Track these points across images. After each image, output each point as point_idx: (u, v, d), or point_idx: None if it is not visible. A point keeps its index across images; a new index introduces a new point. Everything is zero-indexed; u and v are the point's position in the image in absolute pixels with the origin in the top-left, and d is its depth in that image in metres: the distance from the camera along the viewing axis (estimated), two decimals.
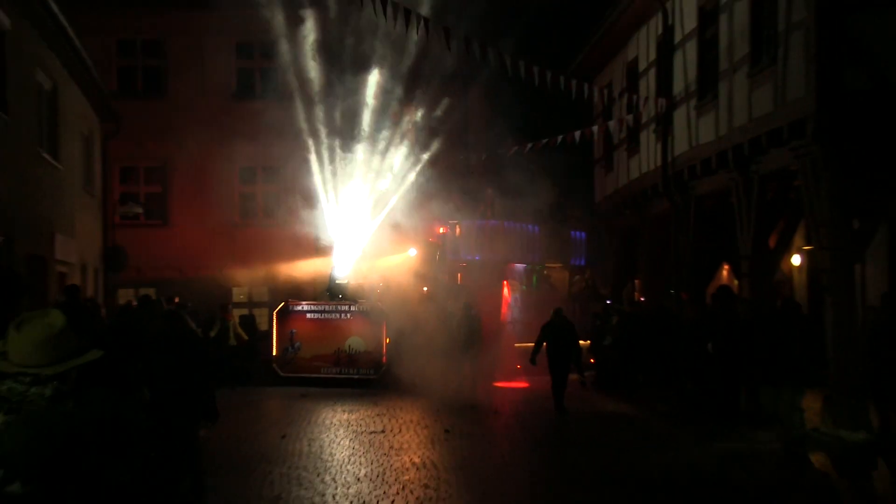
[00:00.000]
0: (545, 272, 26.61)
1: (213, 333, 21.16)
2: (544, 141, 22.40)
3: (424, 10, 18.79)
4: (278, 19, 23.33)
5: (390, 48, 22.36)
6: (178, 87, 27.32)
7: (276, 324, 21.60)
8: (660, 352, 19.39)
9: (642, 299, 22.73)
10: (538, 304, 23.47)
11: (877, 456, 9.89)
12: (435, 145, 23.98)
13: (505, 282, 23.78)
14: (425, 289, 22.34)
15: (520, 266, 25.30)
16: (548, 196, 24.64)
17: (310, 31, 23.32)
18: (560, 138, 22.53)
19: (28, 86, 17.69)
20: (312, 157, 23.03)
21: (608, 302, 23.26)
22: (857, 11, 13.43)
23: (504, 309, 23.46)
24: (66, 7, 17.84)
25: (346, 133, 23.11)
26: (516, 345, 22.04)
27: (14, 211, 16.19)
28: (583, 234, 28.12)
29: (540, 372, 17.85)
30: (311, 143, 23.15)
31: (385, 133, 23.12)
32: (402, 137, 23.47)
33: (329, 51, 23.29)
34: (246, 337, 21.99)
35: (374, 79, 22.83)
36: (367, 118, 22.99)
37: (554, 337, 16.96)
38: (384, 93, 23.02)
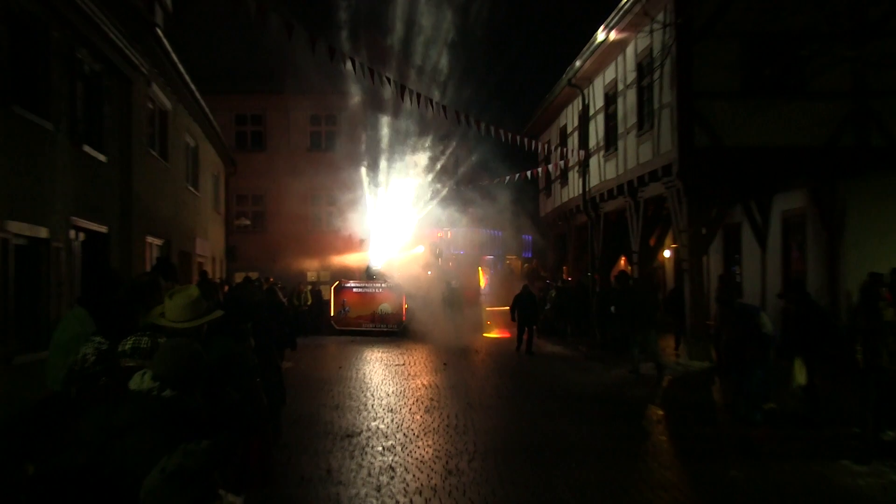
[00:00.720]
0: (506, 261, 26.52)
1: (296, 303, 21.40)
2: (507, 177, 22.45)
3: (424, 87, 19.04)
4: (337, 101, 23.53)
5: (411, 117, 22.47)
6: (273, 144, 27.34)
7: (333, 295, 21.51)
8: (580, 312, 19.55)
9: (570, 279, 22.78)
10: (501, 282, 23.51)
11: (714, 376, 10.05)
12: (438, 178, 24.03)
13: (480, 267, 23.71)
14: (429, 272, 22.35)
15: (489, 257, 25.20)
16: (508, 212, 24.57)
17: (355, 109, 23.51)
18: (517, 175, 22.58)
19: (180, 144, 17.80)
20: (358, 187, 23.07)
21: (548, 281, 23.34)
22: (700, 98, 13.42)
23: (483, 285, 23.36)
24: (204, 94, 18.04)
25: (380, 171, 23.17)
26: (488, 308, 22.12)
27: (171, 223, 16.33)
28: (530, 236, 28.01)
29: (511, 326, 17.83)
30: (356, 178, 23.21)
31: (406, 170, 23.17)
32: (417, 174, 23.52)
33: (369, 117, 23.41)
34: (311, 302, 22.13)
35: (399, 134, 22.94)
36: (394, 162, 23.06)
37: (522, 303, 16.80)
38: (407, 143, 23.11)
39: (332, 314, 21.41)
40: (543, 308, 20.60)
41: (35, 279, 9.59)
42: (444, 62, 22.96)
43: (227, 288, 17.61)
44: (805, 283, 9.39)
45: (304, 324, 20.66)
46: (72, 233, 10.65)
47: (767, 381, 8.58)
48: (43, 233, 9.50)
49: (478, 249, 24.40)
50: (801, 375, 8.42)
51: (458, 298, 19.78)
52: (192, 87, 16.93)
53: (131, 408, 2.60)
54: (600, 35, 16.90)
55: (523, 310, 16.73)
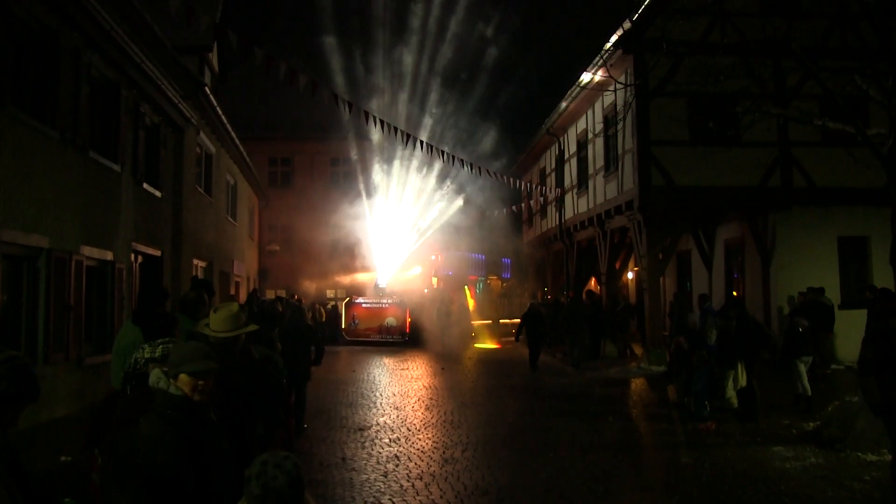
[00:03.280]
0: (488, 281, 26.31)
1: (320, 318, 21.20)
2: (496, 211, 22.55)
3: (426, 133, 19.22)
4: (352, 146, 23.73)
5: (414, 160, 22.55)
6: (299, 182, 27.40)
7: (345, 310, 20.99)
8: (556, 324, 19.42)
9: (549, 297, 22.74)
10: (485, 299, 23.35)
11: (671, 378, 9.99)
12: (433, 208, 24.07)
13: (467, 286, 23.48)
14: (426, 290, 22.15)
15: (474, 277, 25.02)
16: (490, 238, 24.48)
17: (368, 153, 23.69)
18: (505, 209, 22.68)
19: (222, 182, 17.91)
20: (368, 218, 23.07)
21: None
22: (656, 146, 13.52)
23: (470, 302, 23.06)
24: (243, 140, 18.23)
25: (387, 204, 23.19)
26: (475, 322, 21.83)
27: (214, 248, 16.36)
28: (508, 259, 27.87)
29: (498, 337, 17.38)
30: (368, 210, 23.22)
31: (408, 203, 23.22)
32: (417, 206, 23.53)
33: (379, 160, 23.49)
34: (323, 318, 21.94)
35: (404, 174, 23.00)
36: (399, 197, 23.08)
37: (530, 321, 14.93)
38: (410, 181, 23.17)
39: (343, 326, 20.92)
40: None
41: (102, 294, 9.64)
42: (447, 112, 23.26)
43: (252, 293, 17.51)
44: (744, 302, 9.40)
45: (323, 335, 20.33)
46: (132, 256, 10.70)
47: (712, 383, 8.57)
48: (109, 256, 9.56)
49: (464, 271, 24.17)
50: (742, 378, 8.42)
51: (451, 313, 19.59)
52: (233, 134, 17.11)
53: (151, 400, 2.64)
54: (573, 92, 17.08)
55: (531, 328, 14.75)
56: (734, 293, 14.31)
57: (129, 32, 9.42)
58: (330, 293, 26.45)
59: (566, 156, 20.27)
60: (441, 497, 5.57)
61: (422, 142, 14.80)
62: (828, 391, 9.99)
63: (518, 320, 22.02)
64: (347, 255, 24.87)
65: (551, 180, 22.15)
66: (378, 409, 9.64)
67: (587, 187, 17.91)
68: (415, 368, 14.87)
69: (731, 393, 8.38)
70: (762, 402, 8.60)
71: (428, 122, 23.00)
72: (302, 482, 2.08)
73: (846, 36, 12.61)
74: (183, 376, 2.59)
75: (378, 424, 8.52)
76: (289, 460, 2.09)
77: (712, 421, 8.27)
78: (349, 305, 21.09)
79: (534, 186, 22.46)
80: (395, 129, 14.04)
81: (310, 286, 24.87)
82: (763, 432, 7.83)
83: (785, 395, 9.41)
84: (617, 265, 17.98)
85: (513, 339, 19.02)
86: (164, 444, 2.44)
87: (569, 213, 19.89)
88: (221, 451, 2.64)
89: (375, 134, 20.58)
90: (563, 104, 18.25)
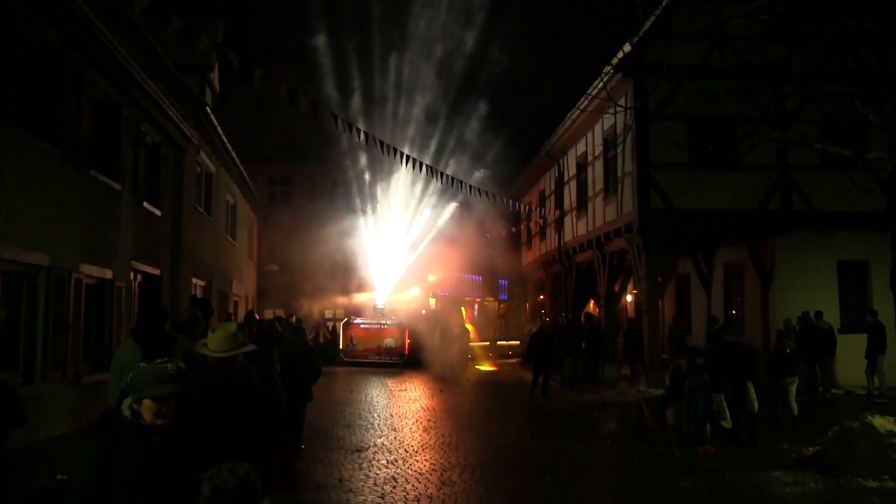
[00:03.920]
0: (484, 302, 26.22)
1: (320, 339, 21.12)
2: (494, 232, 22.57)
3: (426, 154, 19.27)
4: (351, 167, 23.90)
5: (412, 179, 22.57)
6: (299, 202, 27.39)
7: (342, 330, 20.82)
8: (555, 347, 19.35)
9: (547, 319, 22.65)
10: (482, 320, 23.24)
11: (670, 402, 9.97)
12: (431, 230, 24.07)
13: (464, 307, 23.35)
14: (423, 311, 22.04)
15: (472, 299, 24.92)
16: (488, 259, 24.45)
17: (367, 175, 23.83)
18: (503, 230, 22.71)
19: (222, 201, 17.99)
20: (368, 241, 23.10)
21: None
22: (656, 169, 13.57)
23: (468, 323, 22.93)
24: (243, 160, 18.32)
25: (386, 226, 23.21)
26: (472, 344, 21.72)
27: (213, 267, 16.38)
28: (505, 281, 27.84)
29: (495, 359, 17.24)
30: (367, 232, 23.29)
31: (406, 224, 23.23)
32: (415, 227, 23.51)
33: (378, 181, 23.57)
34: (329, 337, 21.87)
35: (401, 194, 23.05)
36: (397, 218, 23.10)
37: (538, 343, 14.18)
38: (408, 201, 23.19)
39: (340, 347, 20.73)
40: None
41: (101, 312, 9.68)
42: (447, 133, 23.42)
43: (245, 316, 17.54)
44: (723, 331, 9.51)
45: (324, 355, 20.23)
46: (131, 274, 10.75)
47: (710, 406, 8.56)
48: (108, 274, 9.61)
49: (461, 292, 24.09)
50: (754, 402, 8.41)
51: (449, 335, 19.53)
52: (234, 154, 17.24)
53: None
54: (573, 115, 17.21)
55: (539, 352, 14.05)
56: (733, 312, 14.30)
57: (132, 52, 9.57)
58: (329, 313, 26.34)
59: (566, 178, 20.34)
60: None
61: (422, 163, 14.92)
62: (828, 416, 9.97)
63: (516, 342, 22.09)
64: (346, 276, 24.81)
65: (551, 202, 22.20)
66: (376, 431, 9.61)
67: (586, 209, 17.95)
68: (413, 390, 14.80)
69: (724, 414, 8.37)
70: (760, 425, 8.59)
71: (427, 132, 23.13)
72: (255, 490, 2.08)
73: (846, 60, 12.76)
74: (146, 401, 2.56)
75: (376, 446, 8.49)
76: (243, 467, 2.10)
77: (711, 445, 8.25)
78: (347, 326, 20.90)
79: (533, 208, 22.53)
80: (395, 150, 14.18)
81: (309, 306, 24.77)
82: (762, 456, 7.82)
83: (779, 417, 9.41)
84: (616, 288, 17.97)
85: (510, 360, 18.89)
86: (82, 459, 2.57)
87: (568, 236, 19.91)
88: (178, 472, 2.55)
89: (374, 155, 20.68)
90: (563, 126, 18.38)
